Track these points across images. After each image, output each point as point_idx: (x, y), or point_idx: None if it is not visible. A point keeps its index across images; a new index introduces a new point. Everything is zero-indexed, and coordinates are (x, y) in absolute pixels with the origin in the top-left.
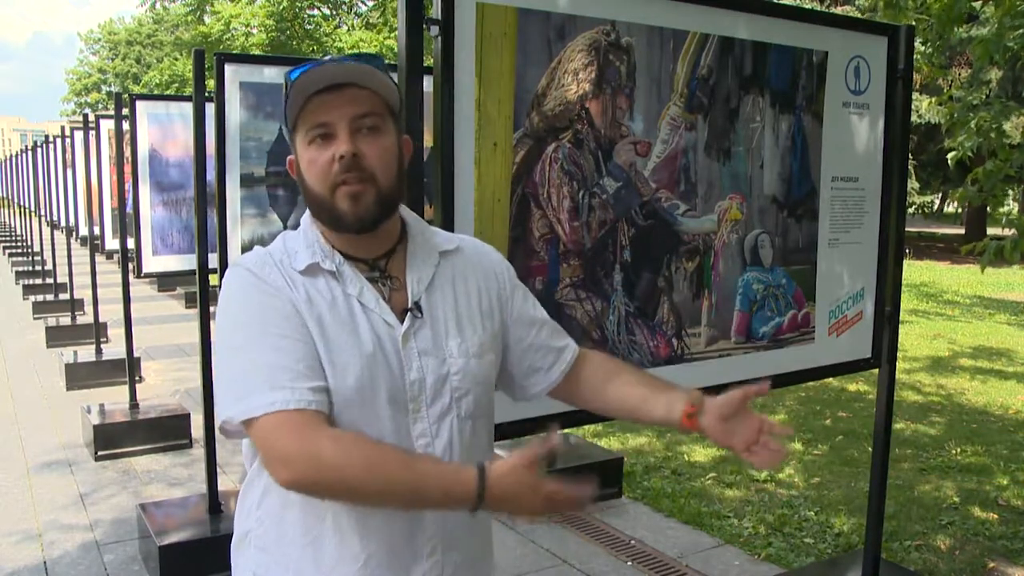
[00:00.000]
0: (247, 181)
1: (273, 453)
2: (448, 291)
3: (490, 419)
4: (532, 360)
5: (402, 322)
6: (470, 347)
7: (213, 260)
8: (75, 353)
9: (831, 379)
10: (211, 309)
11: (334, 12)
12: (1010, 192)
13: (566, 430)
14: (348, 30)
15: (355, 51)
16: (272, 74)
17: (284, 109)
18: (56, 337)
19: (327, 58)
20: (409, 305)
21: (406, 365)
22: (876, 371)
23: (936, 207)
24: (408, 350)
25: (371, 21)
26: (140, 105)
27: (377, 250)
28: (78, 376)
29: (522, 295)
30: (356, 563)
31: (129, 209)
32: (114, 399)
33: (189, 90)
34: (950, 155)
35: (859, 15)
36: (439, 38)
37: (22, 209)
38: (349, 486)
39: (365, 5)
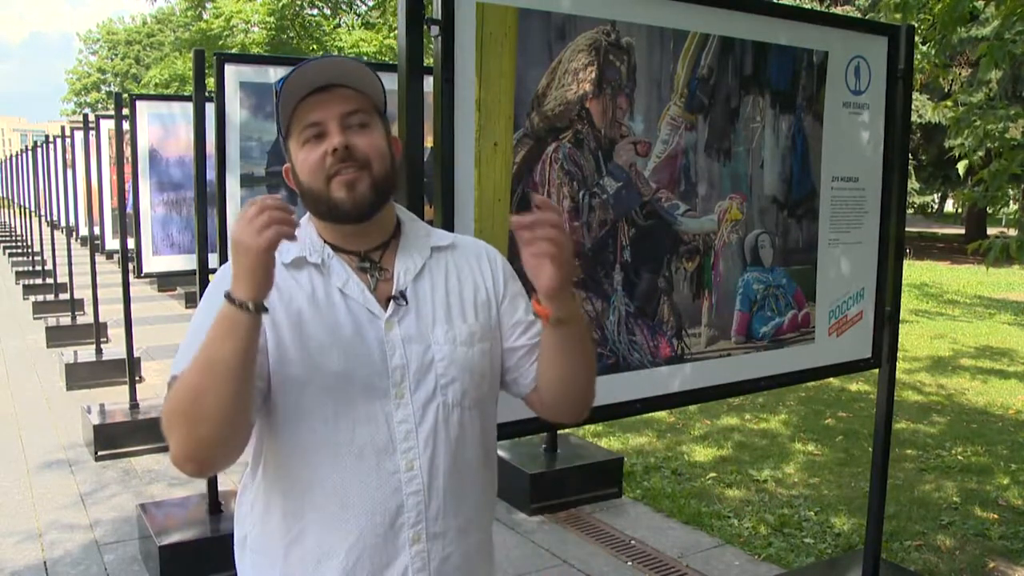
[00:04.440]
0: (248, 181)
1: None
2: (439, 281)
3: (485, 410)
4: (519, 359)
5: (386, 310)
6: (458, 335)
7: (213, 260)
8: (75, 353)
9: (832, 379)
10: None
11: (334, 11)
12: (1011, 191)
13: (566, 430)
14: (348, 30)
15: (338, 55)
16: (272, 74)
17: (277, 117)
18: (56, 337)
19: (311, 59)
20: (394, 293)
21: (389, 352)
22: (876, 371)
23: (936, 207)
24: (391, 337)
25: (371, 21)
26: (140, 105)
27: (369, 243)
28: (78, 376)
29: (512, 295)
30: (337, 557)
31: (129, 209)
32: (114, 399)
33: (189, 89)
34: (960, 164)
35: (859, 15)
36: (439, 38)
37: (22, 209)
38: (191, 400)
39: (365, 5)
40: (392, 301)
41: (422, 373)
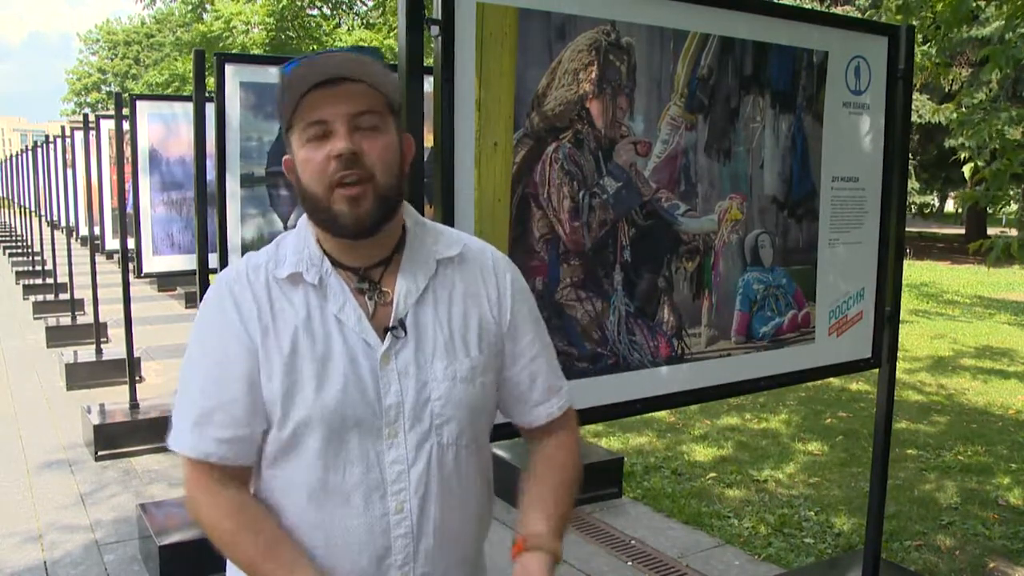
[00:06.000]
0: (247, 181)
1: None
2: (443, 306)
3: (482, 447)
4: (514, 391)
5: (383, 341)
6: (458, 371)
7: (213, 260)
8: (75, 353)
9: (832, 379)
10: None
11: (334, 11)
12: (1012, 191)
13: None
14: (348, 30)
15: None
16: (272, 74)
17: (279, 106)
18: (56, 337)
19: (322, 51)
20: (392, 323)
21: (383, 388)
22: (876, 371)
23: (936, 207)
24: (387, 372)
25: (371, 21)
26: (140, 105)
27: (371, 258)
28: (78, 376)
29: (518, 321)
30: None
31: (129, 209)
32: (114, 399)
33: (188, 89)
34: (965, 167)
35: (859, 15)
36: (439, 38)
37: (22, 209)
38: (216, 546)
39: (365, 5)
40: (390, 332)
41: (418, 411)
